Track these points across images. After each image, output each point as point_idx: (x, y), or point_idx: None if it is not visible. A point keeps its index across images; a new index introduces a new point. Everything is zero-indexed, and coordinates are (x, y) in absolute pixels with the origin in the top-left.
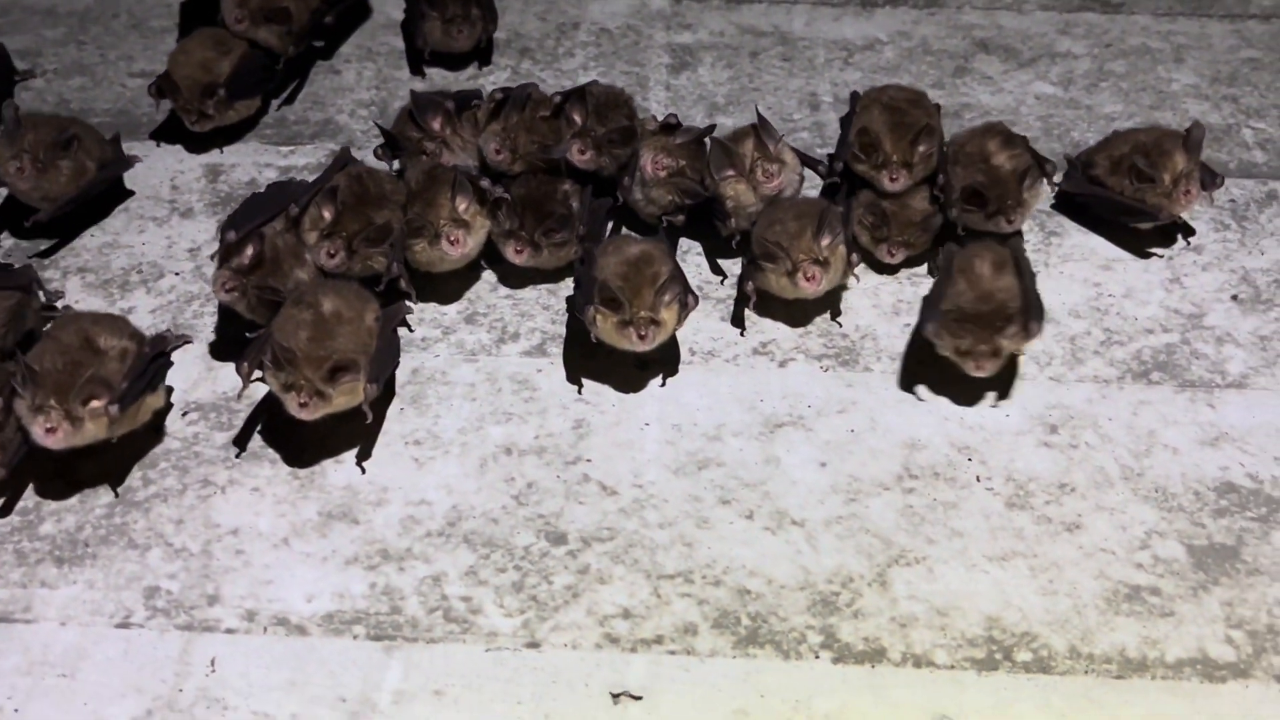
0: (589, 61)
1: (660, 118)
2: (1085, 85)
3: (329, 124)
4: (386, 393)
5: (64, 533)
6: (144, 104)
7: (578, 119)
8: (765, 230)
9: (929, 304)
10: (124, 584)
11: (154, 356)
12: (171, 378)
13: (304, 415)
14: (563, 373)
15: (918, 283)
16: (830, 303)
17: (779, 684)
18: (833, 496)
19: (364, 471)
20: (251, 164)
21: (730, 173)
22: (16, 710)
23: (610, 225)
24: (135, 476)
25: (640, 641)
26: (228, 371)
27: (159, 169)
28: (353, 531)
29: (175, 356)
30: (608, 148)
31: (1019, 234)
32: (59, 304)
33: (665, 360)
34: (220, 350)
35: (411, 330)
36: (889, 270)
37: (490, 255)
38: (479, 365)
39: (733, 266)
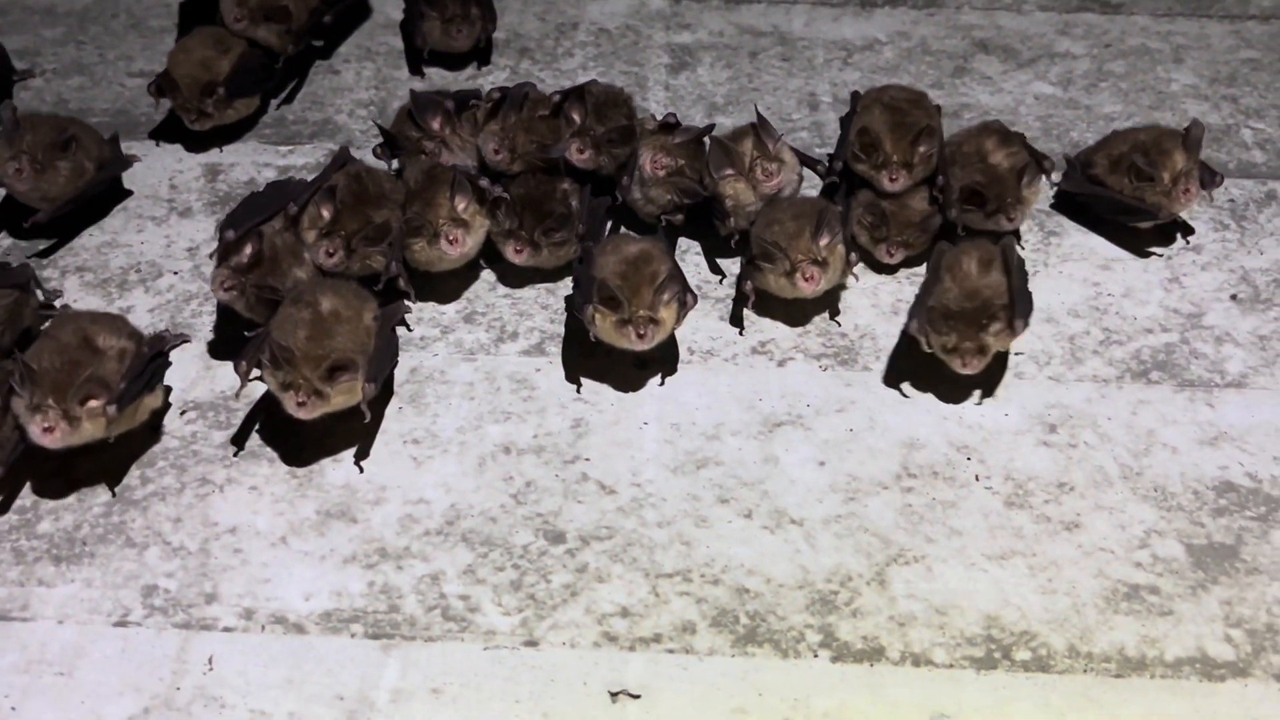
0: (588, 61)
1: (659, 117)
2: (1084, 85)
3: (328, 124)
4: (385, 392)
5: (62, 531)
6: (143, 103)
7: (577, 118)
8: (764, 230)
9: (917, 303)
10: (122, 582)
11: (152, 356)
12: (169, 377)
13: (302, 414)
14: (561, 372)
15: (916, 283)
16: (829, 302)
17: (777, 682)
18: (831, 495)
19: (362, 470)
20: (250, 163)
21: (729, 172)
22: (14, 708)
23: (609, 224)
24: (133, 475)
25: (638, 640)
26: (226, 370)
27: (158, 168)
28: (351, 530)
29: (173, 355)
30: (606, 147)
31: (1015, 232)
32: (57, 303)
33: (664, 359)
34: (218, 349)
35: (410, 329)
36: (888, 270)
37: (489, 254)
38: (477, 364)
39: (731, 266)
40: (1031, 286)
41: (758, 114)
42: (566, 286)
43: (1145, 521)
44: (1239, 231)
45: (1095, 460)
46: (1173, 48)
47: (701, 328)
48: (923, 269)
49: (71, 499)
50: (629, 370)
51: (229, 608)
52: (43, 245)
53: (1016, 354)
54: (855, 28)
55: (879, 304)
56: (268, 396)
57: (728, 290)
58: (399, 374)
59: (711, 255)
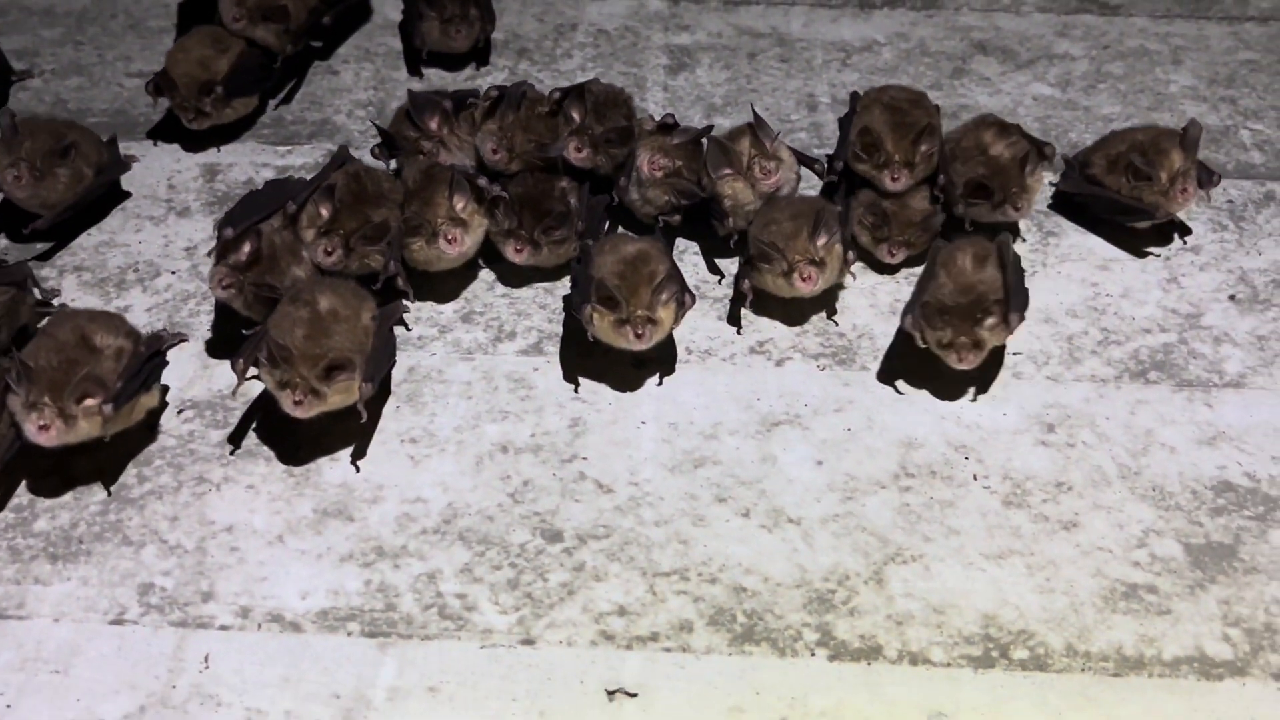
0: (587, 62)
1: (657, 118)
2: (1083, 87)
3: (326, 124)
4: (382, 391)
5: (58, 529)
6: (141, 104)
7: (576, 116)
8: (761, 230)
9: (912, 299)
10: (118, 581)
11: (149, 356)
12: (167, 375)
13: (299, 413)
14: (559, 371)
15: (915, 282)
16: (827, 302)
17: (774, 681)
18: (829, 495)
19: (358, 470)
20: (249, 163)
21: (728, 171)
22: (9, 706)
23: (607, 224)
24: (130, 474)
25: (636, 639)
26: (223, 369)
27: (156, 168)
28: (348, 529)
29: (171, 354)
30: (604, 147)
31: (1015, 230)
32: (55, 302)
33: (662, 359)
34: (216, 348)
35: (408, 329)
36: (886, 270)
37: (488, 254)
38: (475, 364)
39: (730, 266)
40: (1029, 286)
41: (754, 113)
42: (564, 286)
43: (1143, 521)
44: (1237, 232)
45: (1093, 460)
46: (1171, 49)
47: (699, 327)
48: (922, 268)
49: (68, 497)
50: (627, 370)
51: (225, 606)
52: (41, 248)
53: (1015, 354)
54: (854, 29)
55: (877, 304)
56: (265, 395)
57: (726, 290)
58: (397, 373)
59: (710, 255)
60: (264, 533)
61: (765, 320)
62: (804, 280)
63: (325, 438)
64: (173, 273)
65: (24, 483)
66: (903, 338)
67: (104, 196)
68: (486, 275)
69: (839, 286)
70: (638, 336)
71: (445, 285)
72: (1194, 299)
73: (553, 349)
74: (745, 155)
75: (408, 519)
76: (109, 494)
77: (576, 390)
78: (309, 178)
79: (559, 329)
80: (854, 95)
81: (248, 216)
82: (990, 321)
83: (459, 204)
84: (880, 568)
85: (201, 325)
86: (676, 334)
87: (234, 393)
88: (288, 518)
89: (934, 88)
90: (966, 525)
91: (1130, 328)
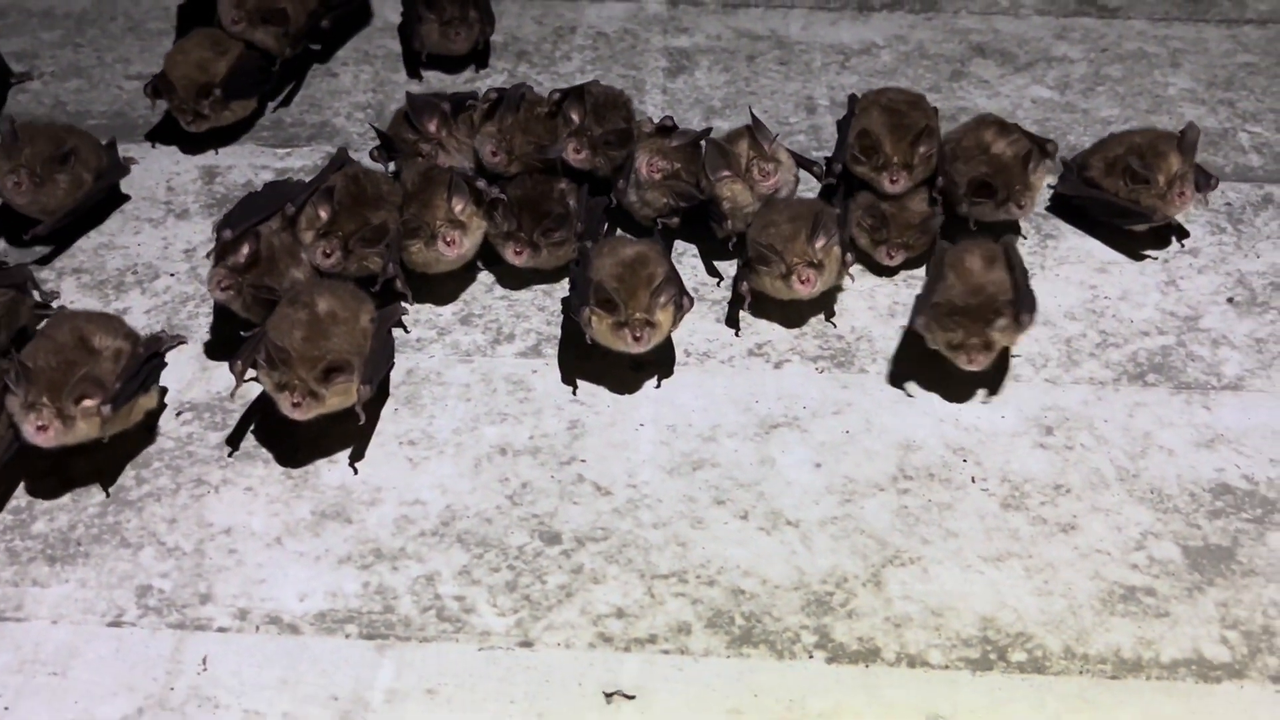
0: (586, 65)
1: (656, 120)
2: (1082, 89)
3: (325, 126)
4: (381, 393)
5: (56, 531)
6: (140, 106)
7: (575, 118)
8: (760, 233)
9: (920, 300)
10: (116, 582)
11: (148, 357)
12: (166, 377)
13: (297, 415)
14: (558, 373)
15: (914, 284)
16: (825, 304)
17: (773, 684)
18: (827, 497)
19: (356, 472)
20: (248, 166)
21: (726, 173)
22: (7, 708)
23: (606, 226)
24: (128, 475)
25: (634, 641)
26: (222, 371)
27: (155, 170)
28: (346, 531)
29: (170, 356)
30: (603, 149)
31: (1016, 230)
32: (54, 304)
33: (660, 361)
34: (215, 350)
35: (407, 331)
36: (885, 272)
37: (486, 256)
38: (474, 366)
39: (728, 268)
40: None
41: (752, 115)
42: (563, 289)
43: (1141, 523)
44: (1236, 235)
45: (1092, 462)
46: (1170, 52)
47: (698, 330)
48: (920, 271)
49: (66, 499)
50: (625, 372)
51: (223, 608)
52: (41, 251)
53: (1014, 356)
54: (852, 32)
55: (875, 306)
56: (263, 397)
57: (724, 292)
58: (395, 375)
59: (708, 257)
60: (262, 535)
61: (764, 322)
62: (802, 283)
63: (324, 439)
64: (171, 275)
65: (22, 484)
66: (903, 339)
67: (103, 199)
68: (485, 277)
69: (837, 289)
70: (636, 339)
71: (444, 287)
72: (1192, 302)
73: (551, 351)
74: (744, 157)
75: (406, 521)
76: (107, 495)
77: (575, 392)
78: (308, 180)
79: (558, 331)
80: (852, 98)
81: (246, 218)
82: (1001, 322)
83: (458, 206)
84: (878, 570)
85: (200, 327)
86: (675, 336)
87: (232, 395)
88: (286, 520)
89: (933, 90)
90: (965, 528)
91: (1128, 330)
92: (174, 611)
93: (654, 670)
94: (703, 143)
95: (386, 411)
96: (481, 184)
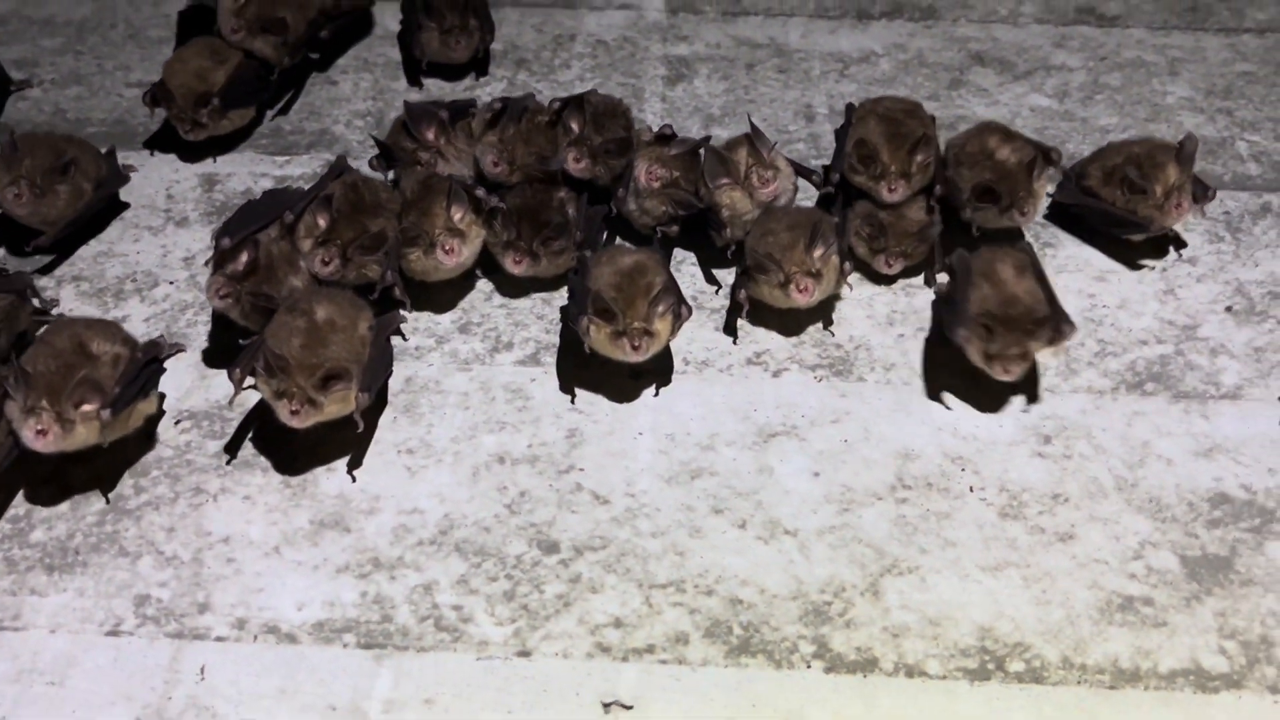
0: (585, 73)
1: (655, 129)
2: (1080, 98)
3: (325, 134)
4: (379, 401)
5: (54, 540)
6: (140, 114)
7: (575, 127)
8: (758, 241)
9: (952, 310)
10: (114, 592)
11: (147, 362)
12: (164, 386)
13: (295, 423)
14: (556, 382)
15: (912, 293)
16: (823, 312)
17: (771, 693)
18: (826, 506)
19: (354, 480)
20: (247, 173)
21: (725, 181)
22: (5, 717)
23: (605, 234)
24: (127, 484)
25: (632, 651)
26: (220, 380)
27: (154, 178)
28: (344, 540)
29: (168, 364)
30: (603, 158)
31: (1020, 237)
32: (53, 311)
33: (659, 370)
34: (213, 359)
35: (405, 339)
36: (883, 280)
37: (485, 264)
38: (472, 374)
39: (727, 276)
40: None
41: (751, 123)
42: (562, 297)
43: (1140, 533)
44: (1234, 244)
45: (1090, 471)
46: (1168, 60)
47: (696, 338)
48: (919, 279)
49: (65, 507)
50: (623, 380)
51: (221, 617)
52: (42, 261)
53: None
54: (852, 40)
55: (874, 315)
56: (262, 405)
57: (723, 301)
58: (394, 383)
59: (707, 266)
60: (260, 544)
61: (762, 331)
62: (800, 292)
63: (322, 447)
64: (171, 283)
65: (21, 493)
66: (900, 349)
67: (103, 208)
68: (484, 285)
69: (836, 297)
70: (635, 348)
71: (443, 295)
72: (1191, 310)
73: (550, 360)
74: (743, 165)
75: (404, 530)
76: (107, 501)
77: (573, 401)
78: (307, 188)
79: (556, 340)
80: (849, 107)
81: (245, 226)
82: (1043, 334)
83: (457, 214)
84: (876, 579)
85: (199, 335)
86: (673, 344)
87: (231, 402)
88: (284, 529)
89: (932, 98)
90: (963, 537)
91: (1127, 339)
92: (172, 621)
93: (652, 680)
94: (702, 151)
95: (385, 420)
96: (481, 192)
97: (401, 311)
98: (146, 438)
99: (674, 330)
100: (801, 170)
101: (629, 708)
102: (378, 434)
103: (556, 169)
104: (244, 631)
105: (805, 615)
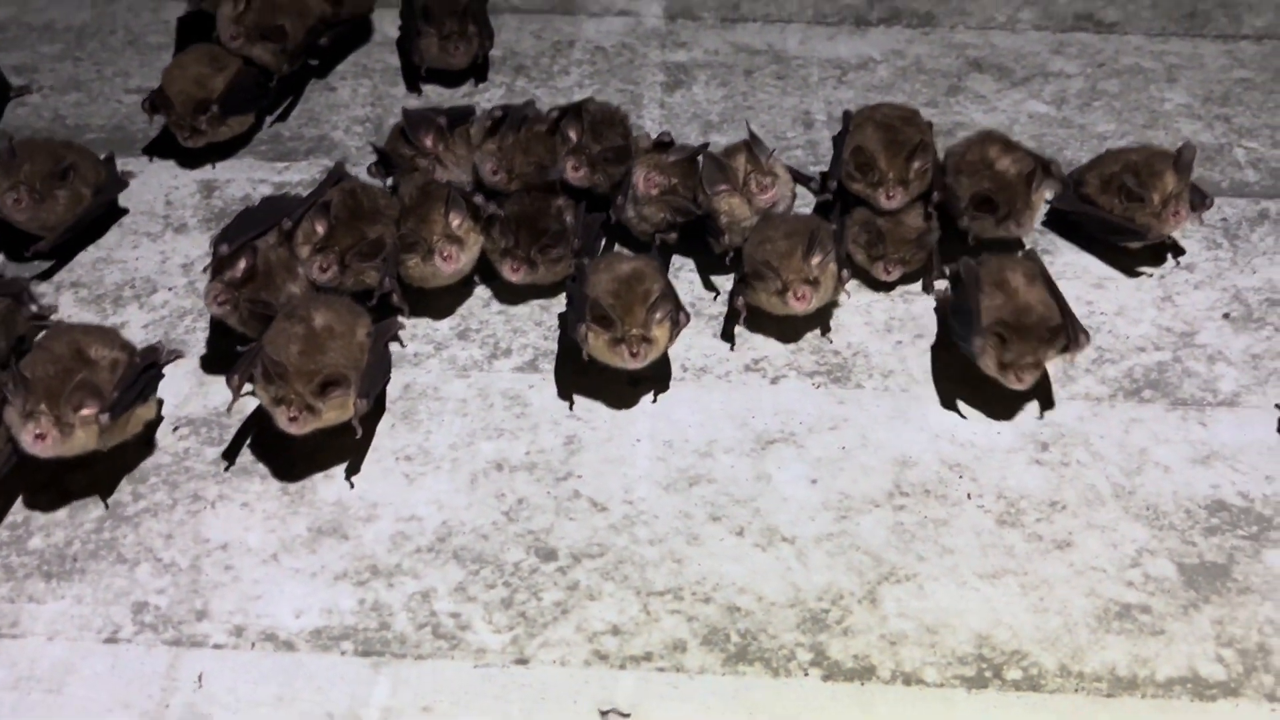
0: (584, 79)
1: (654, 135)
2: (1078, 104)
3: (324, 140)
4: (377, 408)
5: (52, 547)
6: (139, 120)
7: (573, 136)
8: (756, 249)
9: (963, 320)
10: (112, 599)
11: (145, 367)
12: (163, 392)
13: (293, 429)
14: (554, 389)
15: (910, 300)
16: (821, 319)
17: (768, 701)
18: (823, 513)
19: (353, 486)
20: (246, 180)
21: (724, 187)
22: None
23: (603, 241)
24: (125, 491)
25: (629, 658)
26: (219, 387)
27: (153, 185)
28: (342, 547)
29: (167, 371)
30: (602, 166)
31: (1020, 246)
32: (51, 318)
33: (657, 376)
34: (212, 365)
35: (404, 345)
36: (881, 287)
37: (484, 271)
38: (471, 381)
39: (725, 283)
40: None
41: (749, 130)
42: (560, 303)
43: (1137, 540)
44: (1232, 250)
45: (1087, 479)
46: (1166, 67)
47: (695, 345)
48: (917, 286)
49: (63, 514)
50: (621, 387)
51: (219, 625)
52: (40, 266)
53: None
54: (850, 46)
55: (872, 321)
56: (260, 411)
57: (721, 307)
58: (392, 390)
59: (705, 272)
60: (258, 551)
61: (760, 338)
62: (798, 299)
63: (320, 454)
64: (169, 289)
65: (19, 500)
66: (899, 356)
67: (102, 214)
68: (482, 292)
69: (834, 304)
70: (633, 355)
71: (441, 302)
72: (1188, 317)
73: (548, 366)
74: (741, 171)
75: (402, 537)
76: (106, 507)
77: (571, 408)
78: (305, 195)
79: (554, 346)
80: (846, 114)
81: (243, 233)
82: (1059, 343)
83: (455, 221)
84: (874, 587)
85: (198, 342)
86: (671, 351)
87: (229, 409)
88: (282, 536)
89: (930, 105)
90: (960, 544)
91: (1125, 346)
92: (170, 628)
93: (649, 688)
94: (700, 158)
95: (383, 427)
96: (479, 199)
97: (400, 318)
98: (145, 444)
99: (672, 337)
100: (799, 177)
101: (626, 715)
102: (376, 441)
103: (555, 178)
104: (242, 639)
105: (803, 623)
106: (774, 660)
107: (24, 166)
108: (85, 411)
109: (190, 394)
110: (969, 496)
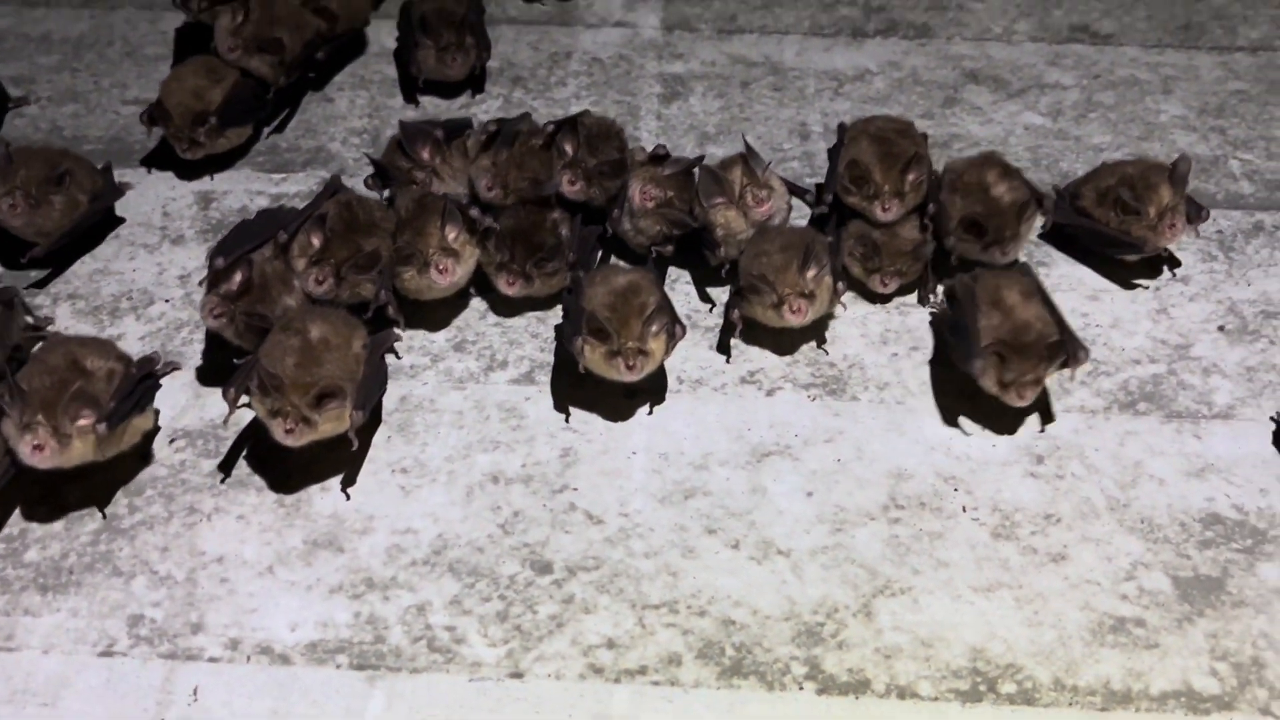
0: (581, 91)
1: (650, 148)
2: (1074, 116)
3: (321, 152)
4: (373, 420)
5: (48, 560)
6: (137, 131)
7: (569, 149)
8: (751, 262)
9: (961, 339)
10: (108, 612)
11: (142, 377)
12: (159, 404)
13: (289, 441)
14: (550, 401)
15: (906, 312)
16: (817, 331)
17: (763, 715)
18: (819, 526)
19: (349, 498)
20: (243, 191)
21: (720, 200)
22: None
23: (599, 253)
24: (121, 504)
25: (624, 672)
26: (215, 399)
27: (150, 196)
28: (338, 560)
29: (163, 383)
30: (598, 179)
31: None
32: (48, 329)
33: (653, 389)
34: (208, 377)
35: (400, 358)
36: (877, 299)
37: (480, 283)
38: (467, 393)
39: (721, 295)
40: None
41: (745, 143)
42: (556, 315)
43: (1132, 553)
44: (1227, 263)
45: (1082, 491)
46: (1161, 79)
47: (691, 357)
48: (912, 298)
49: (59, 527)
50: (618, 399)
51: (215, 638)
52: (36, 275)
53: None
54: (846, 58)
55: (868, 334)
56: (256, 424)
57: (716, 319)
58: (388, 402)
59: (701, 284)
60: (254, 564)
61: (756, 350)
62: (793, 313)
63: (316, 466)
64: (166, 301)
65: (16, 512)
66: (894, 369)
67: (99, 224)
68: (478, 304)
69: (829, 316)
70: (629, 368)
71: (437, 314)
72: (1183, 330)
73: (544, 378)
74: (737, 184)
75: (398, 550)
76: (104, 517)
77: (567, 420)
78: (303, 206)
79: (550, 358)
80: (841, 126)
81: (239, 246)
82: (1059, 359)
83: (451, 234)
84: (869, 600)
85: (194, 354)
86: (668, 363)
87: (225, 422)
88: (278, 549)
89: (926, 116)
90: (955, 557)
91: (1120, 359)
92: (165, 641)
93: (644, 701)
94: (696, 170)
95: (379, 439)
96: (475, 212)
97: (395, 330)
98: (141, 457)
99: (668, 349)
100: (795, 189)
101: None
102: (372, 453)
103: (551, 193)
104: (237, 652)
105: (798, 636)
106: (769, 674)
107: (20, 172)
108: (82, 422)
109: (187, 406)
110: (964, 509)
